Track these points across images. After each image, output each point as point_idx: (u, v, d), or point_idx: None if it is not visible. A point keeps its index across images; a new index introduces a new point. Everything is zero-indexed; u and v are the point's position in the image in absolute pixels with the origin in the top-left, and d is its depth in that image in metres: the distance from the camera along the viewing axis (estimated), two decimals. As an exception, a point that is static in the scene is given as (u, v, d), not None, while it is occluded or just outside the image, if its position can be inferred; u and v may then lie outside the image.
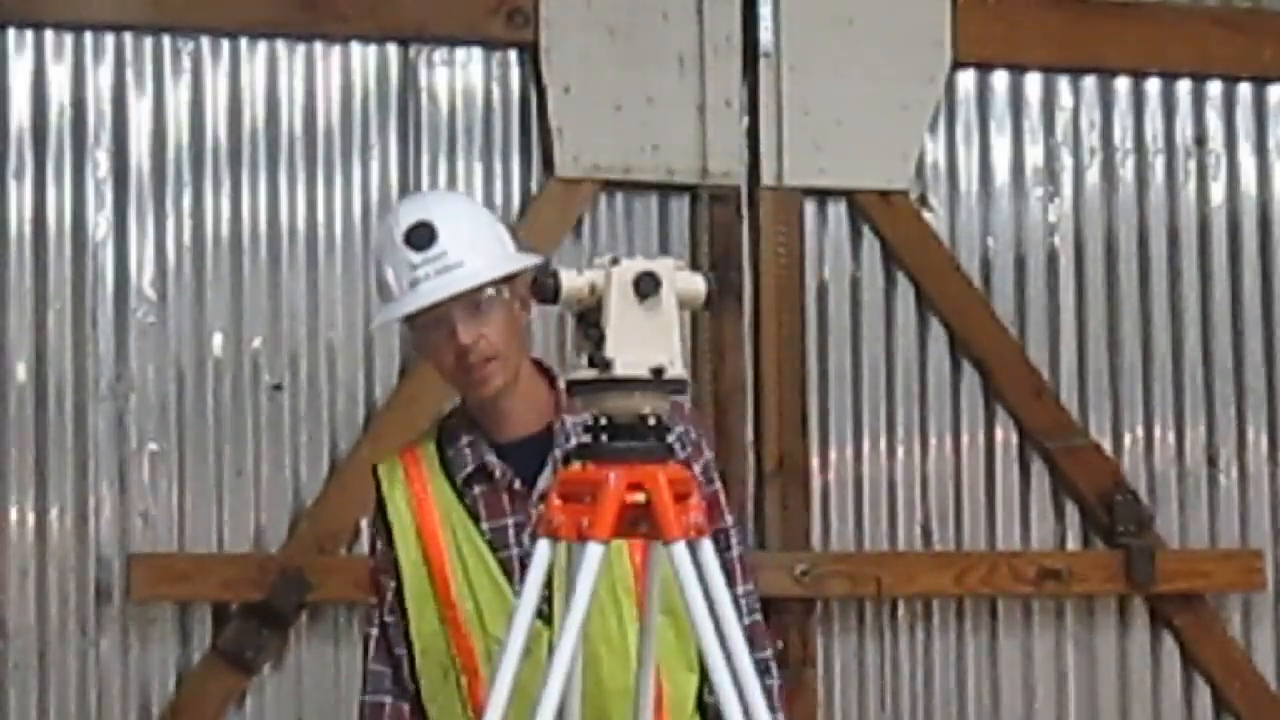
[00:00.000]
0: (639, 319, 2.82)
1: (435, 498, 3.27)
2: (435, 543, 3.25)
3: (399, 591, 3.29)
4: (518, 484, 3.25)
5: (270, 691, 4.96)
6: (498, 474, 3.25)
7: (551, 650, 2.85)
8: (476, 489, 3.27)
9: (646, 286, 2.82)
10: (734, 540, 3.31)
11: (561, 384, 3.26)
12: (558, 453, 3.21)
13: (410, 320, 3.21)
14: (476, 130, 5.16)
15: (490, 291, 3.15)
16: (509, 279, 3.20)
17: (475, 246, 3.17)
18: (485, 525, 3.25)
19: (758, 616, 3.32)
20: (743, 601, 3.26)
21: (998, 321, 5.43)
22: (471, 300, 3.14)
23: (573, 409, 3.18)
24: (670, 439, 2.96)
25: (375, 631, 3.34)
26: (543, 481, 3.22)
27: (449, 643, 3.25)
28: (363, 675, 3.37)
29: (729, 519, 3.32)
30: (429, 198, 3.28)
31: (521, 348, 3.26)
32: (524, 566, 2.98)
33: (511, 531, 3.24)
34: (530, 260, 3.24)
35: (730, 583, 3.19)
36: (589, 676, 3.09)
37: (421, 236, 3.14)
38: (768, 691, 3.09)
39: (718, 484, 3.34)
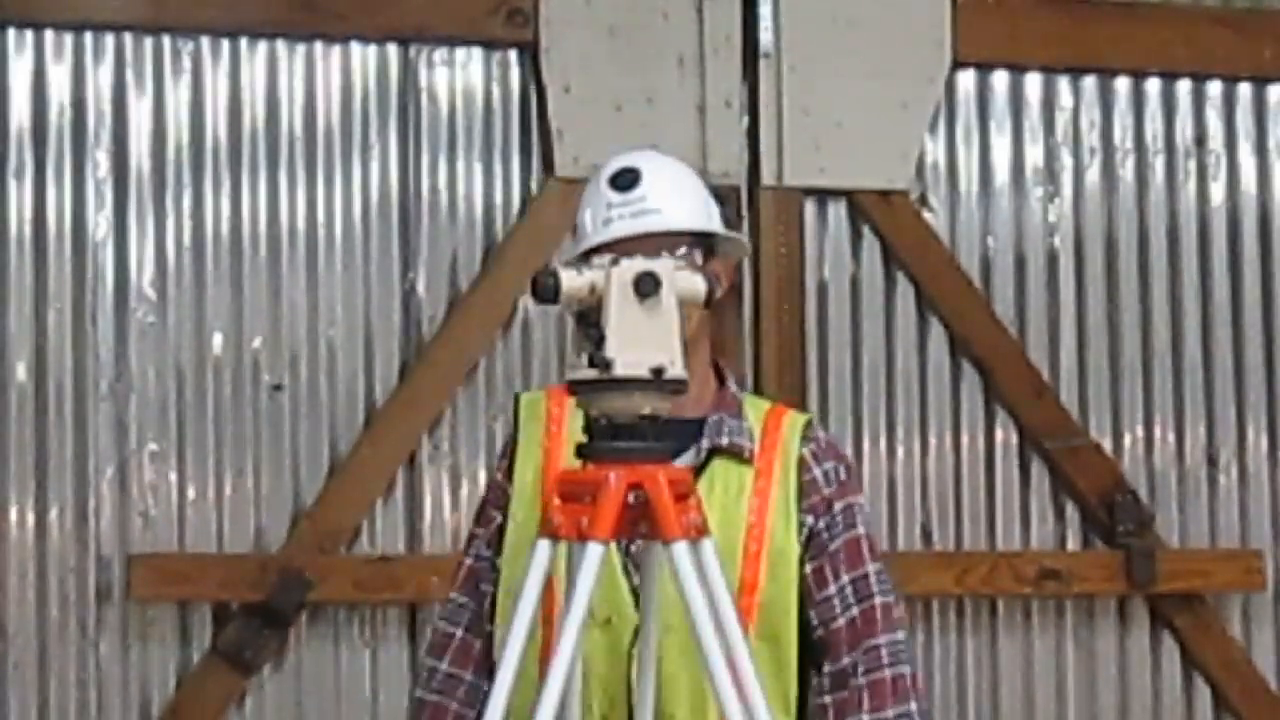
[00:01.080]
0: (639, 319, 2.81)
1: (567, 441, 3.12)
2: (551, 486, 3.09)
3: (503, 527, 3.19)
4: None
5: (270, 691, 4.96)
6: None
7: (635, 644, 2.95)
8: None
9: (646, 286, 2.80)
10: (875, 587, 3.17)
11: (731, 385, 3.20)
12: (705, 441, 3.11)
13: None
14: (476, 130, 5.16)
15: (683, 250, 3.06)
16: (704, 245, 3.12)
17: (676, 199, 3.11)
18: None
19: (905, 669, 3.16)
20: (883, 650, 3.14)
21: (998, 321, 5.43)
22: (662, 250, 3.01)
23: (731, 409, 3.14)
24: (817, 471, 3.12)
25: (470, 562, 3.23)
26: (681, 461, 3.06)
27: None
28: (444, 603, 3.26)
29: (871, 565, 3.19)
30: (644, 152, 3.18)
31: (701, 323, 3.12)
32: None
33: None
34: (730, 232, 3.17)
35: (872, 632, 3.13)
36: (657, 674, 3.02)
37: (625, 180, 3.10)
38: None
39: (861, 529, 3.20)
